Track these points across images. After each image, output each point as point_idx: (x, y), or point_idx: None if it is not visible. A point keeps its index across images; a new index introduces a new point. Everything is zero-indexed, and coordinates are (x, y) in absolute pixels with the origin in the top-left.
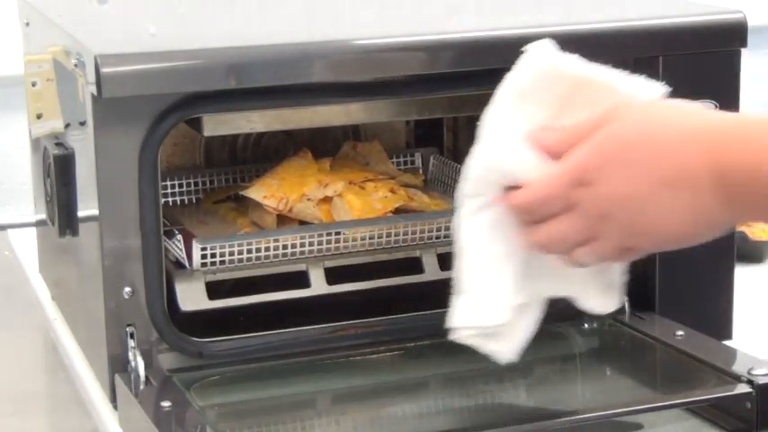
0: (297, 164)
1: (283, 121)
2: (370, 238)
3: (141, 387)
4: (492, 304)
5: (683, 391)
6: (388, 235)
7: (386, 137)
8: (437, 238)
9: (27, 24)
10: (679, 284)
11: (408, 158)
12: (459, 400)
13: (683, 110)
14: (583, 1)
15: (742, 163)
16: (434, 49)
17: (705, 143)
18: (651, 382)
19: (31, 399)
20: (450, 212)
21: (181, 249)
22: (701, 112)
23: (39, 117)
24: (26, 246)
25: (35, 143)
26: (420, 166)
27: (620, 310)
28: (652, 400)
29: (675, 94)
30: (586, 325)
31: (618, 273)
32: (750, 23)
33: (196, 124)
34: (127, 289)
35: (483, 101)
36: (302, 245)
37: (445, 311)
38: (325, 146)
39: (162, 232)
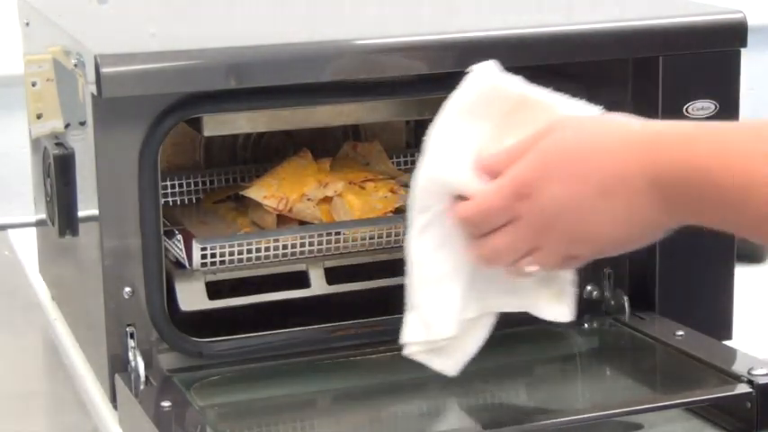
0: (297, 164)
1: (283, 121)
2: (370, 238)
3: (141, 387)
4: (440, 319)
5: (683, 391)
6: (388, 235)
7: (386, 137)
8: None
9: (27, 24)
10: (679, 284)
11: (408, 158)
12: (458, 400)
13: (617, 120)
14: (583, 1)
15: (674, 164)
16: (434, 49)
17: (639, 149)
18: (651, 382)
19: (31, 399)
20: None
21: (181, 249)
22: (635, 121)
23: (39, 117)
24: (26, 246)
25: (35, 143)
26: None
27: (621, 310)
28: (652, 400)
29: (675, 94)
30: (586, 325)
31: (567, 281)
32: (750, 23)
33: (196, 124)
34: (127, 289)
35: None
36: (302, 245)
37: None
38: (325, 146)
39: (162, 232)
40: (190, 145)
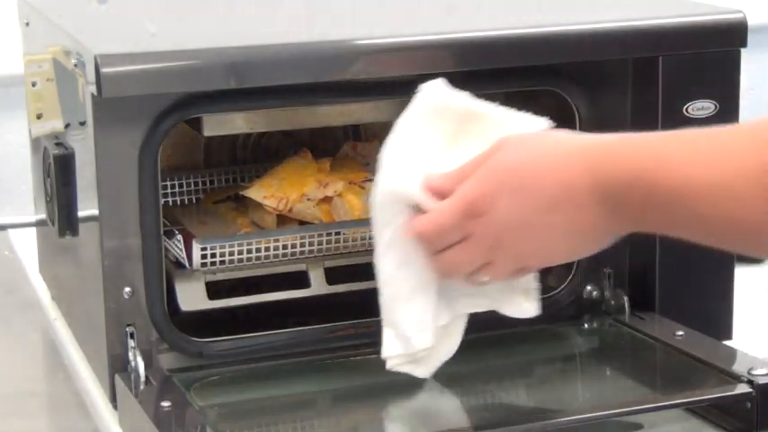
0: (297, 164)
1: (283, 122)
2: (370, 238)
3: (141, 387)
4: (417, 333)
5: (683, 391)
6: None
7: (386, 137)
8: None
9: (27, 24)
10: (679, 284)
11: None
12: (458, 400)
13: (561, 136)
14: (583, 1)
15: (616, 173)
16: (434, 49)
17: (584, 160)
18: (651, 382)
19: (31, 399)
20: None
21: (181, 249)
22: (578, 136)
23: (39, 117)
24: (26, 246)
25: (35, 143)
26: None
27: (621, 310)
28: (652, 400)
29: (675, 94)
30: (586, 325)
31: (531, 279)
32: (750, 23)
33: (196, 124)
34: (127, 289)
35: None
36: (302, 245)
37: None
38: (325, 146)
39: (162, 232)
40: (190, 145)
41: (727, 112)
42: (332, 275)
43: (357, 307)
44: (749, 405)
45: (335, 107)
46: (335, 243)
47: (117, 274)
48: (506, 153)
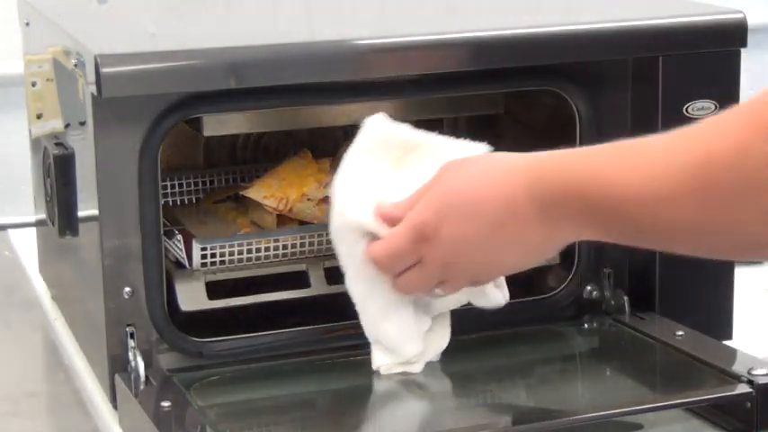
0: (297, 164)
1: (283, 121)
2: None
3: (141, 387)
4: (403, 344)
5: (683, 391)
6: None
7: None
8: None
9: (27, 24)
10: (679, 284)
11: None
12: (458, 400)
13: (502, 156)
14: (583, 1)
15: (554, 186)
16: (434, 49)
17: (523, 177)
18: (651, 382)
19: (31, 399)
20: None
21: (181, 249)
22: (520, 154)
23: (39, 117)
24: (26, 246)
25: (35, 143)
26: None
27: (621, 310)
28: (652, 400)
29: (675, 94)
30: (586, 325)
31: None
32: (750, 23)
33: (196, 124)
34: (127, 289)
35: (483, 101)
36: (302, 245)
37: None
38: (325, 146)
39: (162, 232)
40: (190, 145)
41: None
42: (332, 275)
43: None
44: (749, 405)
45: (335, 107)
46: None
47: (117, 274)
48: (450, 177)
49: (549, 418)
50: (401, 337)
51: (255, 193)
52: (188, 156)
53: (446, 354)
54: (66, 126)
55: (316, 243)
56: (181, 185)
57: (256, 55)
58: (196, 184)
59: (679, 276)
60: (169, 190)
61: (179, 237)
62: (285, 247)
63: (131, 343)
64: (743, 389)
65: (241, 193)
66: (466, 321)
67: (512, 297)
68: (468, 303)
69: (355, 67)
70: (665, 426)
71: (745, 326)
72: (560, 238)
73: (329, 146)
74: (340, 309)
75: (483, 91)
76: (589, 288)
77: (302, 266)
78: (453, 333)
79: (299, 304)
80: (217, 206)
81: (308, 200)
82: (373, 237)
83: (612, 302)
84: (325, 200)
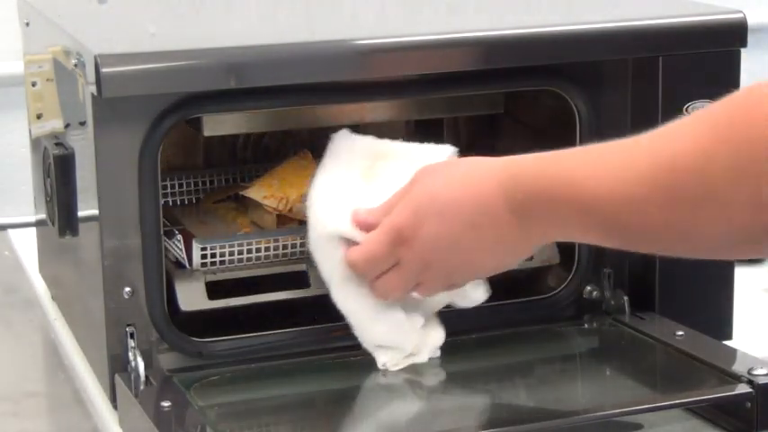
0: (297, 164)
1: (283, 121)
2: None
3: (141, 387)
4: (400, 342)
5: (683, 391)
6: None
7: (386, 137)
8: None
9: (27, 24)
10: (679, 284)
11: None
12: (458, 400)
13: (476, 160)
14: (583, 1)
15: (527, 188)
16: (434, 49)
17: (497, 180)
18: (651, 382)
19: (31, 399)
20: None
21: (181, 249)
22: (493, 158)
23: (39, 117)
24: (26, 246)
25: (35, 143)
26: None
27: (621, 310)
28: (652, 400)
29: (675, 94)
30: (586, 325)
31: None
32: (750, 23)
33: (196, 124)
34: (127, 289)
35: (483, 101)
36: (302, 245)
37: (448, 312)
38: (325, 146)
39: (162, 232)
40: (190, 145)
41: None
42: None
43: None
44: (749, 405)
45: (335, 107)
46: None
47: (117, 274)
48: (426, 181)
49: (549, 418)
50: (396, 334)
51: (255, 193)
52: (188, 156)
53: (446, 354)
54: (67, 126)
55: None
56: (181, 185)
57: (256, 55)
58: (196, 184)
59: (679, 276)
60: (169, 190)
61: (179, 237)
62: (285, 247)
63: (131, 343)
64: (743, 389)
65: (241, 193)
66: (466, 321)
67: (512, 297)
68: (448, 306)
69: (355, 67)
70: (665, 426)
71: (745, 326)
72: (534, 238)
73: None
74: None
75: (483, 91)
76: (589, 288)
77: (302, 266)
78: (454, 333)
79: (299, 304)
80: (217, 206)
81: None
82: (351, 244)
83: (612, 302)
84: None
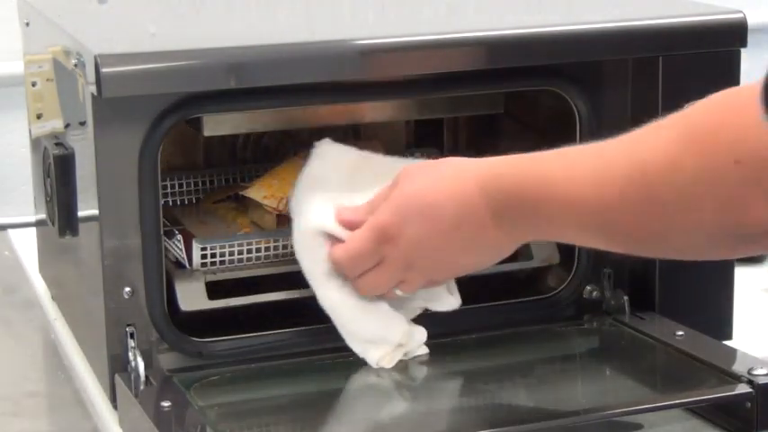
0: (297, 164)
1: (283, 121)
2: None
3: (141, 387)
4: (388, 332)
5: (683, 391)
6: None
7: (386, 137)
8: None
9: (27, 24)
10: (679, 284)
11: (408, 158)
12: (458, 400)
13: (459, 160)
14: (583, 1)
15: (506, 190)
16: (435, 49)
17: (477, 181)
18: (651, 382)
19: (31, 399)
20: None
21: (181, 249)
22: (476, 159)
23: (39, 117)
24: (26, 246)
25: (35, 143)
26: None
27: (621, 310)
28: (652, 400)
29: (675, 94)
30: (586, 325)
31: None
32: (750, 23)
33: (196, 124)
34: (127, 289)
35: (483, 101)
36: None
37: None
38: None
39: (162, 232)
40: (190, 145)
41: None
42: None
43: None
44: (749, 405)
45: (335, 107)
46: None
47: (117, 274)
48: (410, 181)
49: (549, 418)
50: (383, 327)
51: (255, 193)
52: (188, 156)
53: (446, 354)
54: (67, 126)
55: None
56: (181, 185)
57: (256, 55)
58: (196, 184)
59: (679, 276)
60: (169, 190)
61: (179, 237)
62: (285, 247)
63: (131, 343)
64: (743, 389)
65: (241, 193)
66: (466, 321)
67: (512, 297)
68: (426, 309)
69: (355, 67)
70: (665, 426)
71: (745, 326)
72: (513, 238)
73: None
74: None
75: (483, 91)
76: (589, 288)
77: None
78: (454, 333)
79: (299, 304)
80: (217, 206)
81: None
82: (335, 242)
83: (612, 302)
84: None
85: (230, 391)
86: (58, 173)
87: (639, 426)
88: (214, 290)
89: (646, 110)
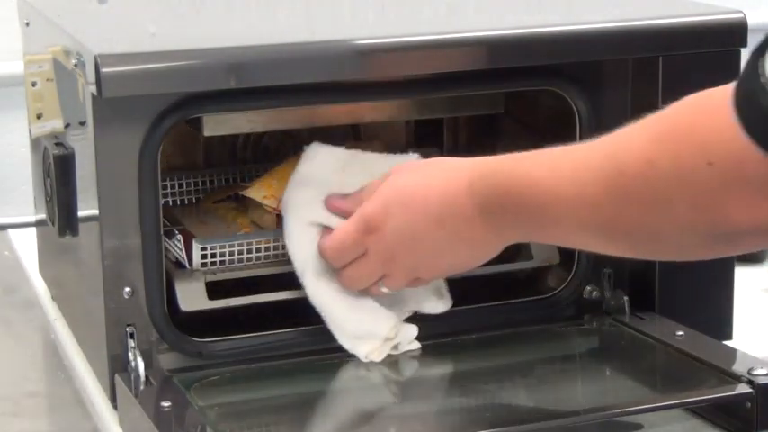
0: (297, 164)
1: (283, 121)
2: None
3: (141, 387)
4: (377, 324)
5: (683, 391)
6: None
7: (386, 137)
8: None
9: (27, 24)
10: (679, 284)
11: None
12: (458, 400)
13: (448, 159)
14: (583, 1)
15: (492, 189)
16: (435, 49)
17: (464, 179)
18: (651, 382)
19: (31, 399)
20: None
21: (181, 249)
22: (465, 159)
23: (39, 117)
24: (26, 246)
25: (35, 143)
26: None
27: (621, 310)
28: (652, 400)
29: (675, 94)
30: (586, 325)
31: (440, 279)
32: (750, 23)
33: (196, 124)
34: (127, 289)
35: (483, 101)
36: None
37: (447, 312)
38: None
39: (162, 232)
40: (190, 145)
41: None
42: None
43: None
44: (749, 405)
45: (335, 107)
46: None
47: (117, 274)
48: (399, 176)
49: (549, 418)
50: (372, 322)
51: (255, 193)
52: (188, 156)
53: (446, 353)
54: (67, 126)
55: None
56: (181, 185)
57: (256, 55)
58: (196, 184)
59: (679, 276)
60: (169, 190)
61: (179, 237)
62: (285, 247)
63: (131, 343)
64: (743, 389)
65: (241, 193)
66: (466, 321)
67: (512, 297)
68: (416, 312)
69: (355, 67)
70: (665, 426)
71: (745, 326)
72: (502, 236)
73: None
74: None
75: (483, 91)
76: (589, 288)
77: None
78: (454, 333)
79: (299, 304)
80: (217, 206)
81: None
82: (325, 235)
83: (612, 302)
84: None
85: (230, 391)
86: (58, 173)
87: (639, 426)
88: (214, 290)
89: (646, 110)
